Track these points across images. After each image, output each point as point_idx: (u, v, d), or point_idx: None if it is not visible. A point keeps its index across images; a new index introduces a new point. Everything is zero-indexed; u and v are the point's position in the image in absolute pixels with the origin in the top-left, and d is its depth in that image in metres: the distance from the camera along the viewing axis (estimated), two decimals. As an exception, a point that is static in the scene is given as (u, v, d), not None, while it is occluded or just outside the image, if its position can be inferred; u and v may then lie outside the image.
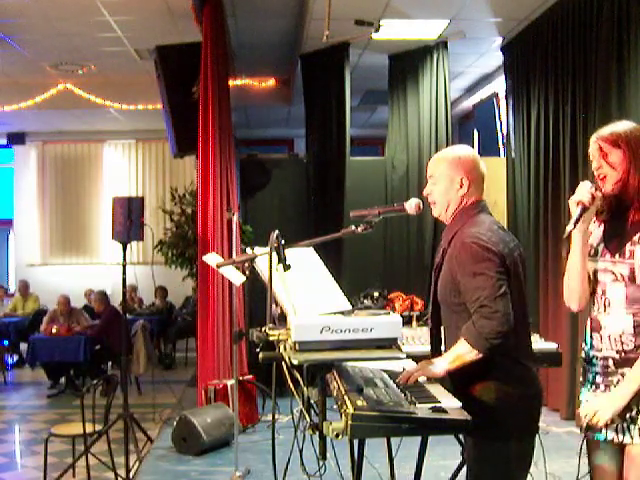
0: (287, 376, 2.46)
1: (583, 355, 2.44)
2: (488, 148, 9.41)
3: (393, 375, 2.51)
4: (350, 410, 2.04)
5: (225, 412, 5.35)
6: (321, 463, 2.32)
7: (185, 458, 5.04)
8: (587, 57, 5.42)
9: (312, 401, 2.37)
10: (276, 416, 2.96)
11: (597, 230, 2.42)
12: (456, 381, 2.42)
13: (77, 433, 4.69)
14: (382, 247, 7.69)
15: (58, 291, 9.14)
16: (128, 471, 4.78)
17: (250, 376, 5.92)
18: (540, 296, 6.23)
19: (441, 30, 6.86)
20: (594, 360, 2.36)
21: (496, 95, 8.72)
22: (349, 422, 2.02)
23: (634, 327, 2.25)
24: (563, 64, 5.84)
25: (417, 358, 2.61)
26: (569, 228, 2.27)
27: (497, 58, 7.53)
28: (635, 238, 2.26)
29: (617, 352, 2.28)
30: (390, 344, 2.13)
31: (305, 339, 2.09)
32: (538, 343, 4.21)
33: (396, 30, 6.72)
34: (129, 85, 8.72)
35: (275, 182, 8.27)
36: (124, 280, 5.24)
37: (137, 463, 4.99)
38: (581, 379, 2.46)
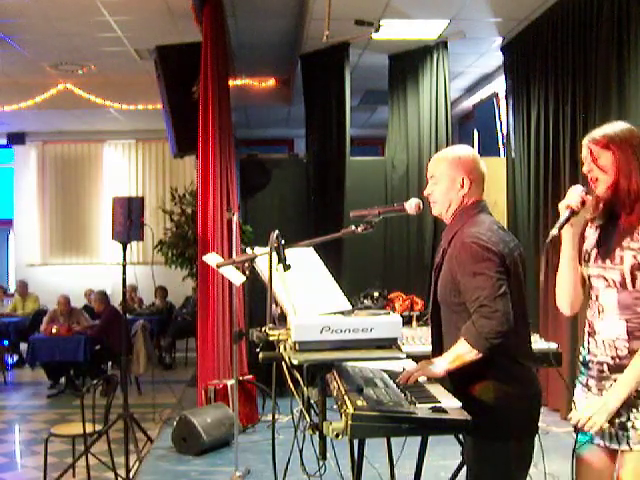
0: (287, 376, 2.45)
1: (581, 359, 2.43)
2: (488, 148, 9.40)
3: (393, 375, 2.51)
4: (350, 410, 2.04)
5: (225, 412, 5.35)
6: (321, 463, 2.32)
7: (185, 458, 5.04)
8: (587, 57, 5.42)
9: (312, 401, 2.37)
10: (276, 416, 2.95)
11: (593, 235, 2.39)
12: (456, 381, 2.42)
13: (77, 433, 4.70)
14: (382, 247, 7.68)
15: (58, 291, 9.14)
16: (128, 471, 4.78)
17: (250, 376, 5.92)
18: (540, 296, 6.22)
19: (441, 30, 6.86)
20: (590, 364, 2.35)
21: (496, 95, 8.71)
22: (349, 422, 2.02)
23: (627, 333, 2.23)
24: (563, 64, 5.83)
25: (417, 358, 2.61)
26: (553, 232, 2.25)
27: (497, 58, 7.53)
28: (624, 243, 2.23)
29: (612, 358, 2.26)
30: (390, 344, 2.13)
31: (305, 339, 2.10)
32: (538, 343, 4.23)
33: (396, 30, 6.72)
34: (129, 85, 8.72)
35: (275, 182, 8.27)
36: (124, 280, 5.25)
37: (137, 463, 4.99)
38: (577, 379, 2.46)
